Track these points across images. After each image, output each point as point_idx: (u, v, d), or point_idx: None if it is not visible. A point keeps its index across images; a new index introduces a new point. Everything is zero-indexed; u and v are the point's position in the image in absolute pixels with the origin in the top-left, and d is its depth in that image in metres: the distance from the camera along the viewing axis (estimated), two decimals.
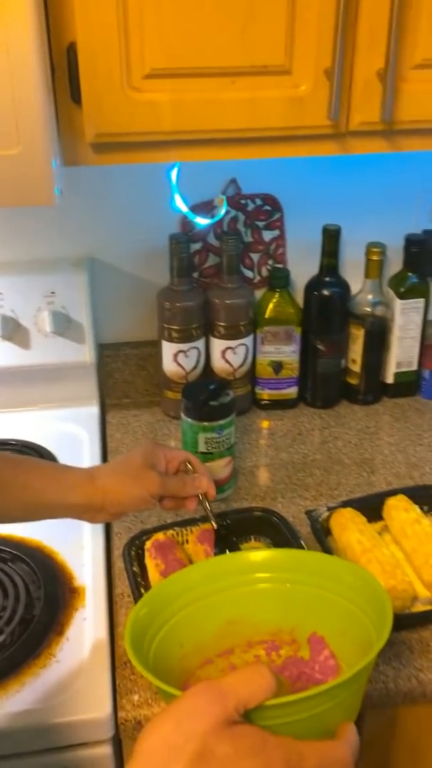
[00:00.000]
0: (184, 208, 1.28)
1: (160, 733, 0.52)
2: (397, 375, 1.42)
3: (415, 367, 1.42)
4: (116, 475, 0.91)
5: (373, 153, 0.96)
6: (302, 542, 1.02)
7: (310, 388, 1.40)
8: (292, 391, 1.39)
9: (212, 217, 1.31)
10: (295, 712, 0.55)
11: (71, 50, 0.85)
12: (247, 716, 0.53)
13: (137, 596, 0.94)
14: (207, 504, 0.95)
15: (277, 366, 1.36)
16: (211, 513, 0.96)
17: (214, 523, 0.96)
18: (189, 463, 0.97)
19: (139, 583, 0.97)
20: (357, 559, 0.99)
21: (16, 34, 0.77)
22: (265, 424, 1.37)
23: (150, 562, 0.99)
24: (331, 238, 1.29)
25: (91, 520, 0.92)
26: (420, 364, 1.42)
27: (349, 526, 1.04)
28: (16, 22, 0.77)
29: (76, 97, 0.87)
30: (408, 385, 1.43)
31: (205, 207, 1.30)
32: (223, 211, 1.30)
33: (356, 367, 1.39)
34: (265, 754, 0.52)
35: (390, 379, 1.42)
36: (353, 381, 1.41)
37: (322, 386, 1.40)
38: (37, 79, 0.80)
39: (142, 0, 0.83)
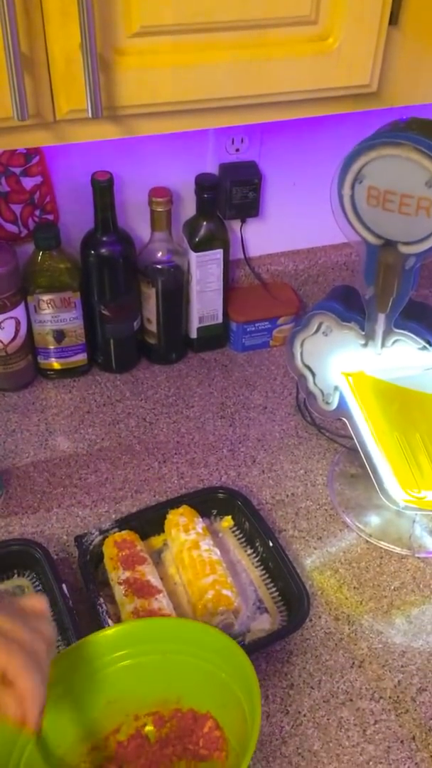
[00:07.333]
0: None
1: None
2: (200, 329, 1.26)
3: (220, 320, 1.26)
4: None
5: (104, 140, 0.73)
6: (63, 586, 0.90)
7: (101, 352, 1.23)
8: (81, 358, 1.22)
9: None
10: None
11: None
12: None
13: None
14: None
15: (59, 335, 1.17)
16: None
17: None
18: None
19: None
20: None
21: None
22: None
23: None
24: (103, 190, 1.06)
25: None
26: (225, 315, 1.26)
27: None
28: None
29: None
30: (215, 339, 1.28)
31: None
32: None
33: (152, 327, 1.22)
34: None
35: (194, 334, 1.26)
36: (151, 340, 1.24)
37: (115, 351, 1.23)
38: None
39: None
